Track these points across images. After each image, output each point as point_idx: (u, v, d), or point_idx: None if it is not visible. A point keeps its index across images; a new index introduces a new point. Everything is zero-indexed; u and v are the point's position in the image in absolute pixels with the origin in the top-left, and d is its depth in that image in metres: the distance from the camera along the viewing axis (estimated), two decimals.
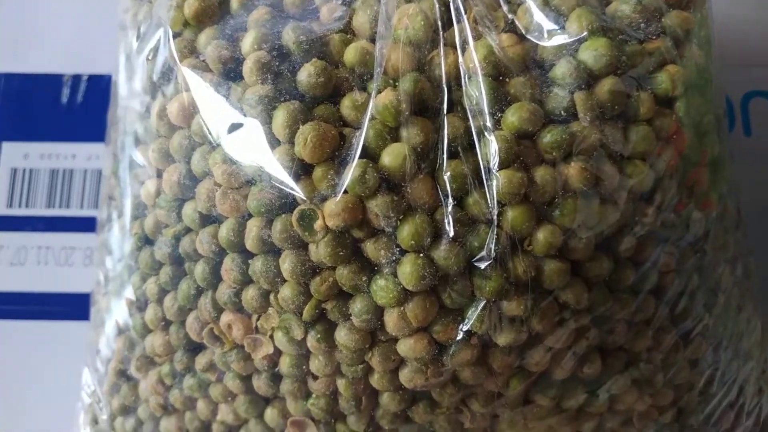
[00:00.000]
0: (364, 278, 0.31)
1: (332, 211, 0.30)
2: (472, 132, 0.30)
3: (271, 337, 0.33)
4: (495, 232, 0.30)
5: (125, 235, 0.38)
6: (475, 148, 0.30)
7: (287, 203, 0.31)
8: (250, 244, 0.31)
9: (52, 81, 0.56)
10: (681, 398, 0.37)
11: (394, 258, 0.30)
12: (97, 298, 0.42)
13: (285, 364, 0.34)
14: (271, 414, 0.37)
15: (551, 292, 0.32)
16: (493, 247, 0.30)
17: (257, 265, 0.32)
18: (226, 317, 0.34)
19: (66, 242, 0.53)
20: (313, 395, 0.35)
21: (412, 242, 0.30)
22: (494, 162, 0.29)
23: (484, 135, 0.30)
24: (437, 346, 0.32)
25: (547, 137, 0.30)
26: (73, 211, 0.53)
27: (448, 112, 0.30)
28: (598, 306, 0.33)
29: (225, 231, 0.32)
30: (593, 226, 0.31)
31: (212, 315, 0.34)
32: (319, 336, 0.32)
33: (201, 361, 0.37)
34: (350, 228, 0.30)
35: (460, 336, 0.31)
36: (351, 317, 0.32)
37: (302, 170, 0.30)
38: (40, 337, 0.51)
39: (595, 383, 0.35)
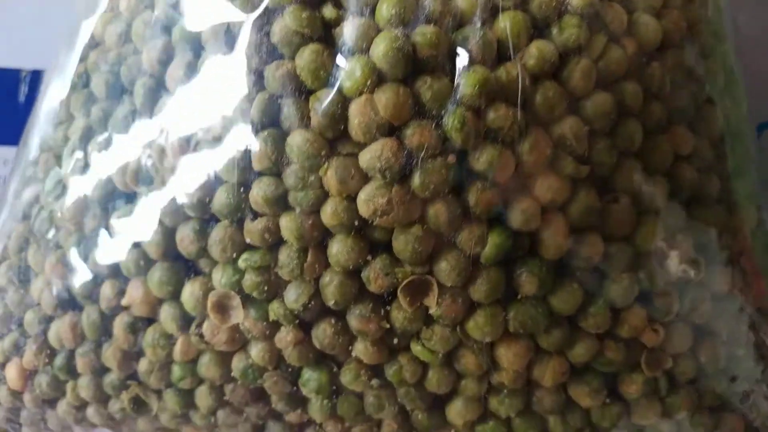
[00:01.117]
0: (327, 63, 0.27)
1: None
2: None
3: None
4: (481, 31, 0.27)
5: None
6: None
7: None
8: None
9: (8, 76, 0.49)
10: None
11: (363, 37, 0.27)
12: None
13: (221, 194, 0.28)
14: (190, 291, 0.29)
15: (544, 122, 0.27)
16: (478, 39, 0.27)
17: None
18: None
19: None
20: (245, 254, 0.28)
21: (392, 12, 0.26)
22: None
23: None
24: (405, 156, 0.26)
25: None
26: None
27: None
28: (597, 151, 0.28)
29: None
30: (595, 57, 0.28)
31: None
32: (269, 139, 0.27)
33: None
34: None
35: (434, 141, 0.26)
36: (309, 113, 0.27)
37: None
38: None
39: (592, 278, 0.29)
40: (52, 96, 0.37)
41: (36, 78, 0.48)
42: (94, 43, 0.35)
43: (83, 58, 0.35)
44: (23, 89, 0.49)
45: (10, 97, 0.48)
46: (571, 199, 0.28)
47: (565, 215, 0.28)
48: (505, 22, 0.27)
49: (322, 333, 0.29)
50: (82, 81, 0.34)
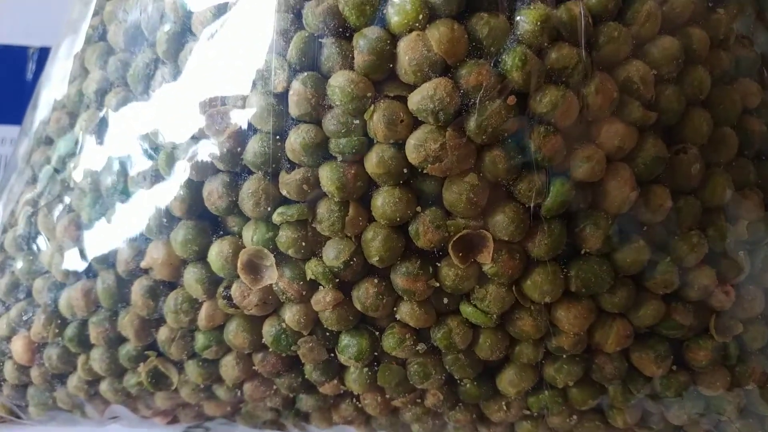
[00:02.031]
0: None
1: None
2: None
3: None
4: None
5: None
6: None
7: None
8: None
9: (16, 54, 0.48)
10: None
11: None
12: None
13: (255, 143, 0.26)
14: (218, 250, 0.27)
15: (609, 65, 0.25)
16: None
17: None
18: None
19: None
20: (281, 208, 0.26)
21: None
22: None
23: None
24: (460, 96, 0.24)
25: None
26: None
27: None
28: (666, 97, 0.26)
29: None
30: None
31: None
32: (308, 81, 0.25)
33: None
34: None
35: (492, 81, 0.24)
36: (352, 53, 0.25)
37: None
38: None
39: (659, 234, 0.26)
40: (64, 53, 0.34)
41: (44, 55, 0.46)
42: None
43: (98, 11, 0.33)
44: (31, 67, 0.48)
45: (17, 75, 0.47)
46: (638, 147, 0.25)
47: (631, 165, 0.25)
48: None
49: (364, 293, 0.26)
50: (98, 33, 0.32)
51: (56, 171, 0.32)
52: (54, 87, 0.34)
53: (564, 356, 0.27)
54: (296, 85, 0.25)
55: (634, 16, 0.26)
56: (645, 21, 0.26)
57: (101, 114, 0.30)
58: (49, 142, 0.33)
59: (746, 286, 0.27)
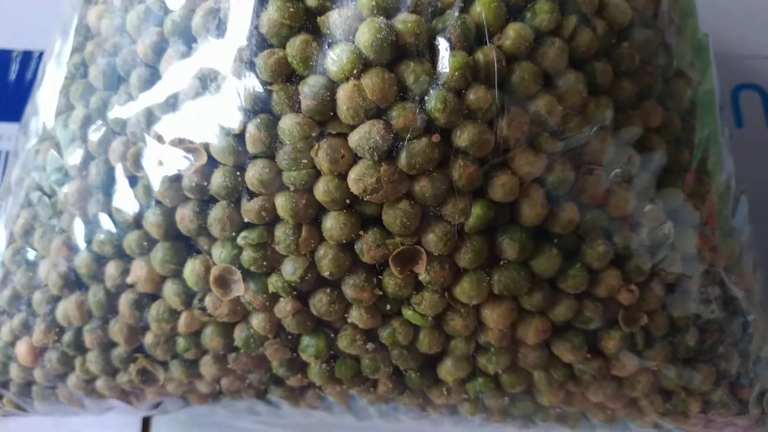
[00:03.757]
0: (315, 51, 0.28)
1: None
2: None
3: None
4: (460, 18, 0.28)
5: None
6: None
7: None
8: None
9: (0, 57, 0.51)
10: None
11: (348, 26, 0.28)
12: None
13: (218, 176, 0.30)
14: (192, 268, 0.31)
15: (520, 101, 0.29)
16: (456, 25, 0.28)
17: None
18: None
19: None
20: (244, 232, 0.30)
21: (373, 3, 0.28)
22: None
23: None
24: (392, 136, 0.28)
25: None
26: None
27: None
28: (571, 127, 0.29)
29: None
30: (567, 38, 0.30)
31: (141, 125, 0.31)
32: (261, 125, 0.29)
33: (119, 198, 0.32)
34: None
35: (418, 123, 0.28)
36: (299, 98, 0.28)
37: None
38: None
39: (569, 243, 0.31)
40: (50, 84, 0.37)
41: (26, 58, 0.50)
42: (89, 35, 0.36)
43: (79, 49, 0.36)
44: (14, 68, 0.51)
45: (1, 77, 0.50)
46: (548, 170, 0.29)
47: (542, 186, 0.29)
48: (481, 8, 0.28)
49: (319, 302, 0.30)
50: (80, 72, 0.35)
51: (48, 196, 0.35)
52: (42, 116, 0.38)
53: (493, 348, 0.32)
54: (251, 128, 0.29)
55: (545, 55, 0.29)
56: (554, 59, 0.29)
57: (86, 147, 0.34)
58: (40, 169, 0.36)
59: (649, 283, 0.32)
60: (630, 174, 0.31)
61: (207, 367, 0.33)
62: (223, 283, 0.31)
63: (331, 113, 0.28)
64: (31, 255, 0.35)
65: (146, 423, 0.44)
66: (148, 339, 0.33)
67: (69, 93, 0.35)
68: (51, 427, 0.44)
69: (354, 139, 0.28)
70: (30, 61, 0.50)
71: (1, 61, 0.51)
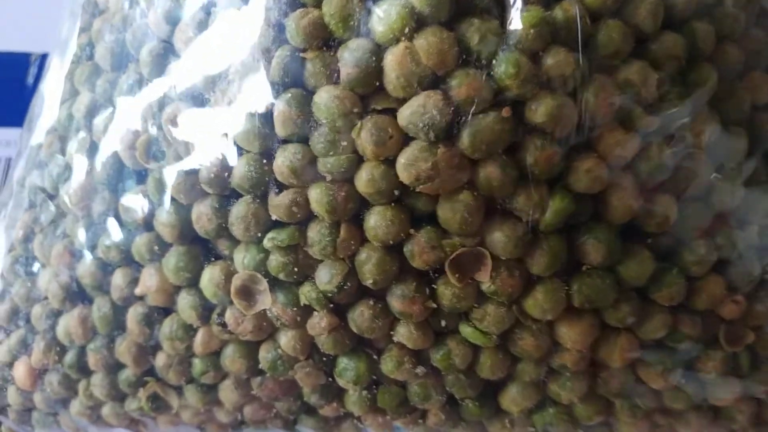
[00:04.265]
0: (358, 9, 0.24)
1: None
2: None
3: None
4: None
5: None
6: None
7: None
8: None
9: (18, 60, 0.49)
10: None
11: None
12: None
13: (241, 165, 0.25)
14: (210, 276, 0.26)
15: (608, 68, 0.24)
16: None
17: None
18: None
19: None
20: (271, 233, 0.25)
21: None
22: None
23: None
24: (452, 111, 0.23)
25: None
26: None
27: None
28: (668, 100, 0.24)
29: None
30: None
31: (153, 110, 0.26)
32: (292, 101, 0.24)
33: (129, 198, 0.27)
34: None
35: (485, 93, 0.23)
36: (337, 67, 0.24)
37: None
38: None
39: (664, 245, 0.25)
40: (55, 75, 0.34)
41: (45, 62, 0.47)
42: (97, 11, 0.32)
43: (86, 28, 0.32)
44: (32, 71, 0.49)
45: (19, 80, 0.48)
46: (640, 155, 0.24)
47: (633, 174, 0.24)
48: None
49: (360, 316, 0.25)
50: (86, 53, 0.31)
51: (50, 196, 0.31)
52: (47, 109, 0.34)
53: (568, 373, 0.26)
54: (280, 105, 0.24)
55: (635, 12, 0.25)
56: (646, 17, 0.25)
57: (90, 137, 0.30)
58: (43, 166, 0.32)
59: (757, 294, 0.26)
60: (737, 159, 0.25)
61: (227, 392, 0.29)
62: (247, 294, 0.26)
63: (377, 84, 0.24)
64: (30, 263, 0.31)
65: None
66: (160, 360, 0.29)
67: (74, 78, 0.31)
68: None
69: (405, 115, 0.23)
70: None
71: (20, 65, 0.49)
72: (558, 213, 0.24)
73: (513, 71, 0.23)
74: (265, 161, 0.25)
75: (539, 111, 0.23)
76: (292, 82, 0.24)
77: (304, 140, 0.25)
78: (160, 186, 0.27)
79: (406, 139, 0.24)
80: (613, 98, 0.24)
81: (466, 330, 0.26)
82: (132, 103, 0.28)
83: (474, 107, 0.23)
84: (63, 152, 0.31)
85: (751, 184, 0.26)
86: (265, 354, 0.27)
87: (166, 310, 0.28)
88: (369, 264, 0.25)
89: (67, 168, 0.30)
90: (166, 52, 0.27)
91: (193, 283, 0.27)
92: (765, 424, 0.29)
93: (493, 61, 0.23)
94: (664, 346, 0.27)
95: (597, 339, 0.26)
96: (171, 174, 0.27)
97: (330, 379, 0.27)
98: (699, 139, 0.25)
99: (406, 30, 0.23)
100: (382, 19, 0.23)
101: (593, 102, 0.23)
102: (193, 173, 0.26)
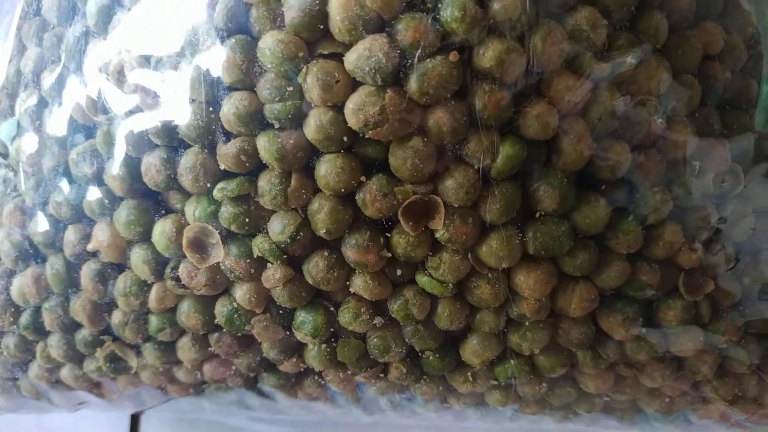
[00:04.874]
0: None
1: None
2: None
3: None
4: None
5: None
6: None
7: None
8: None
9: None
10: None
11: None
12: None
13: (189, 114, 0.24)
14: (161, 229, 0.26)
15: (556, 13, 0.23)
16: None
17: None
18: None
19: None
20: (221, 183, 0.25)
21: None
22: None
23: None
24: (399, 54, 0.22)
25: None
26: None
27: None
28: (618, 46, 0.24)
29: None
30: None
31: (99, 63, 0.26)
32: (236, 46, 0.23)
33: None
34: None
35: (431, 37, 0.22)
36: (282, 11, 0.23)
37: None
38: None
39: (619, 192, 0.25)
40: (4, 32, 0.33)
41: None
42: None
43: None
44: None
45: None
46: (592, 101, 0.24)
47: (585, 120, 0.24)
48: None
49: (315, 267, 0.25)
50: (33, 8, 0.30)
51: (2, 156, 0.30)
52: None
53: (527, 323, 0.26)
54: (225, 51, 0.23)
55: None
56: None
57: (39, 93, 0.29)
58: None
59: (715, 241, 0.26)
60: (690, 107, 0.25)
61: (185, 350, 0.28)
62: (200, 247, 0.25)
63: (322, 28, 0.23)
64: None
65: (135, 422, 0.40)
66: (116, 318, 0.28)
67: (21, 33, 0.30)
68: (33, 426, 0.40)
69: (351, 59, 0.23)
70: None
71: None
72: (509, 159, 0.23)
73: (459, 15, 0.22)
74: (211, 109, 0.24)
75: (487, 55, 0.23)
76: (237, 28, 0.24)
77: (250, 87, 0.24)
78: (109, 139, 0.26)
79: (354, 85, 0.23)
80: (561, 43, 0.23)
81: (422, 279, 0.25)
82: (79, 57, 0.27)
83: (420, 51, 0.22)
84: (12, 110, 0.30)
85: (704, 133, 0.26)
86: (221, 308, 0.27)
87: (120, 267, 0.27)
88: (321, 213, 0.24)
89: (17, 125, 0.29)
90: (113, 3, 0.27)
91: (145, 238, 0.26)
92: (728, 375, 0.29)
93: (439, 5, 0.22)
94: (624, 296, 0.26)
95: (555, 288, 0.26)
96: (119, 127, 0.26)
97: (288, 333, 0.27)
98: (649, 86, 0.24)
99: None
100: None
101: (541, 47, 0.23)
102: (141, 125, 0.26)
